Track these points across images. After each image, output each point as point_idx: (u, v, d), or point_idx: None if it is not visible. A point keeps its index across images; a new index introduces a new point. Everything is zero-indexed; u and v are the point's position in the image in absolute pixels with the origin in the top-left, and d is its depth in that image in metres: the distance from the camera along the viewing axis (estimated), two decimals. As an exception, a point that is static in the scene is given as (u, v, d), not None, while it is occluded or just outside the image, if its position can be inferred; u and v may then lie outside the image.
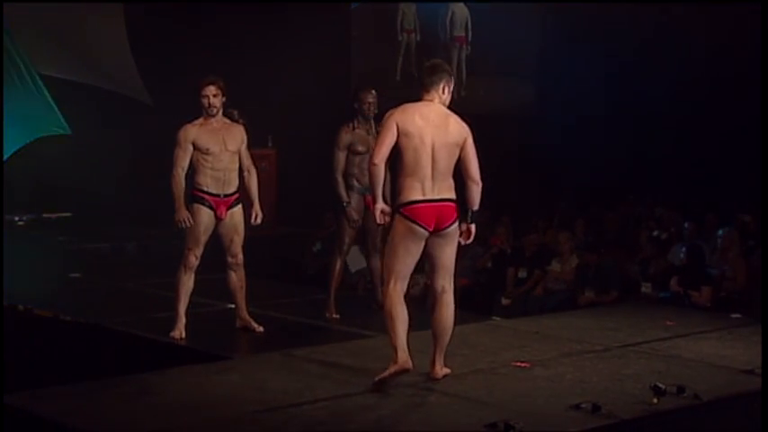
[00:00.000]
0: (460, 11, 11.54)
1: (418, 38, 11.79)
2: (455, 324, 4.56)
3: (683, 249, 7.46)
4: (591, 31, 9.73)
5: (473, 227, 4.52)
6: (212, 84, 5.48)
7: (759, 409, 4.38)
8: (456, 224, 4.45)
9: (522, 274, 8.00)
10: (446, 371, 4.53)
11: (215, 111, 5.51)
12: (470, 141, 4.46)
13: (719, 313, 6.50)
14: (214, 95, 5.48)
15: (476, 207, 4.49)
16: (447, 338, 4.51)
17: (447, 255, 4.46)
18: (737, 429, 4.36)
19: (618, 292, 7.42)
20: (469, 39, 11.44)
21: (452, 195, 4.44)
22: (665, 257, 7.77)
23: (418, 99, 4.48)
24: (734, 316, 6.22)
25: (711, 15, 8.83)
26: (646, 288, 7.31)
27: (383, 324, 6.01)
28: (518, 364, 4.81)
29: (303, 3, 10.92)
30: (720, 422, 4.28)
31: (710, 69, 9.25)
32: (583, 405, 4.04)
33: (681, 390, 4.25)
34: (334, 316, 6.16)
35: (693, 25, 8.97)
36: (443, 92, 4.49)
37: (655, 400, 4.13)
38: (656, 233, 8.18)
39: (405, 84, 11.24)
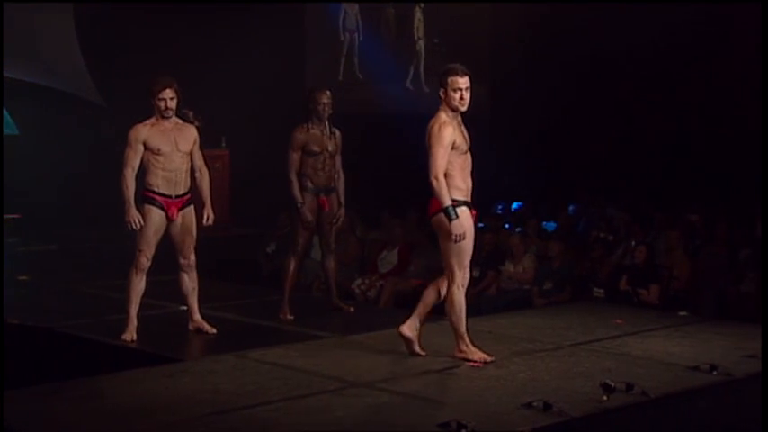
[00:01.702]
0: (416, 14, 11.40)
1: (360, 38, 11.54)
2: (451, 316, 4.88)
3: (633, 249, 7.59)
4: (543, 32, 9.82)
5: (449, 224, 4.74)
6: (169, 87, 5.43)
7: (705, 406, 4.48)
8: (436, 217, 4.74)
9: (476, 273, 8.05)
10: (460, 354, 4.89)
11: (171, 113, 5.46)
12: (429, 136, 4.77)
13: (667, 311, 6.62)
14: (171, 98, 5.44)
15: (443, 204, 4.72)
16: (451, 322, 4.86)
17: (440, 247, 4.84)
18: (684, 425, 4.44)
19: (571, 290, 7.53)
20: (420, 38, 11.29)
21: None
22: (612, 258, 7.89)
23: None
24: (681, 314, 6.35)
25: (664, 15, 8.97)
26: (597, 293, 7.43)
27: (337, 325, 6.06)
28: (471, 363, 4.84)
29: (256, 2, 10.84)
30: (668, 418, 4.36)
31: (659, 70, 9.41)
32: (534, 403, 4.09)
33: (629, 387, 4.32)
34: (289, 317, 6.13)
35: (644, 25, 9.10)
36: (442, 95, 4.82)
37: (604, 398, 4.19)
38: (602, 235, 8.29)
39: (347, 84, 11.04)
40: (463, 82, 4.76)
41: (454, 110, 4.78)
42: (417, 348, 4.95)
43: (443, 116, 4.77)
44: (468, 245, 4.79)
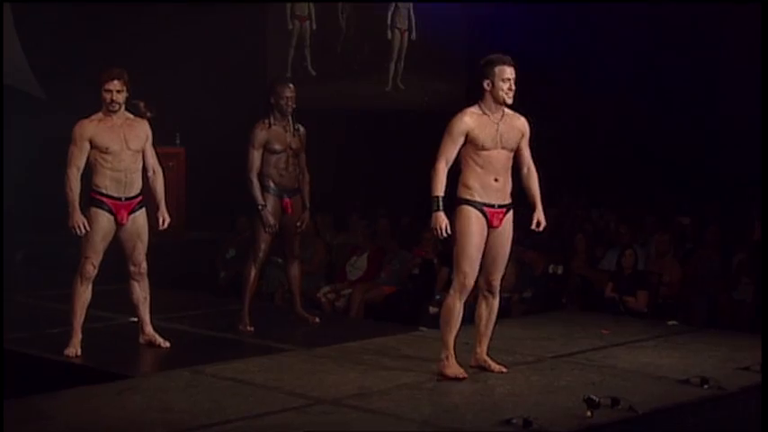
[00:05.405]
0: (403, 4, 11.26)
1: (314, 26, 10.94)
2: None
3: (618, 254, 7.65)
4: (520, 27, 9.89)
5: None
6: (116, 78, 5.38)
7: (694, 421, 4.53)
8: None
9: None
10: (439, 365, 4.90)
11: (117, 107, 5.42)
12: None
13: (655, 320, 6.69)
14: (118, 91, 5.39)
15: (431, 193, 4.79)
16: (440, 327, 4.93)
17: None
18: (674, 442, 4.49)
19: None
20: (412, 31, 11.12)
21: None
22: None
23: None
24: (670, 323, 6.41)
25: (653, 15, 9.09)
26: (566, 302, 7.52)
27: (302, 337, 6.05)
28: (443, 377, 4.85)
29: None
30: (656, 435, 4.40)
31: (648, 68, 9.51)
32: (514, 420, 4.11)
33: (615, 402, 4.35)
34: (249, 328, 6.12)
35: (633, 24, 9.21)
36: (487, 86, 4.81)
37: (588, 414, 4.23)
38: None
39: (297, 79, 10.81)
40: (511, 71, 4.80)
41: (500, 102, 4.79)
42: (492, 366, 4.99)
43: (471, 108, 4.81)
44: (466, 248, 4.82)
